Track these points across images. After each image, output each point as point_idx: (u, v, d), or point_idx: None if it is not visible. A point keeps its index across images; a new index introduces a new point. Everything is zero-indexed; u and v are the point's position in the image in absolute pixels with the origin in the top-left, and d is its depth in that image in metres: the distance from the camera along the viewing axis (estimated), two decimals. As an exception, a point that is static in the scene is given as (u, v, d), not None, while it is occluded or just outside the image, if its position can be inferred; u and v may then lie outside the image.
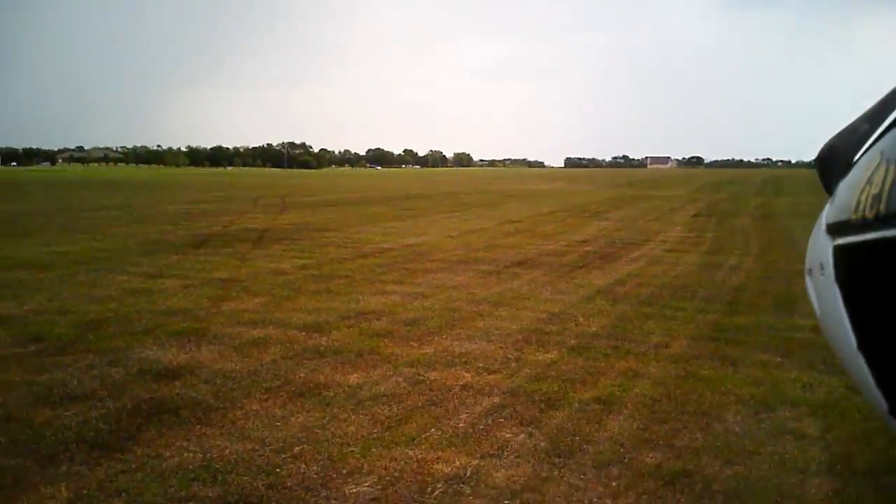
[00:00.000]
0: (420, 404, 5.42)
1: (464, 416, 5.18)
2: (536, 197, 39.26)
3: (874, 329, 0.72)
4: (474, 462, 4.37)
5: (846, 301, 0.77)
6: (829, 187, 0.95)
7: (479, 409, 5.33)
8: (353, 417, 5.11)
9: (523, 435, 4.83)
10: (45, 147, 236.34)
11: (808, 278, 0.94)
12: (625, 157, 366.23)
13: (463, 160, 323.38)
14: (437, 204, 32.10)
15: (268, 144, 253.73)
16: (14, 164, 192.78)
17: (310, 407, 5.31)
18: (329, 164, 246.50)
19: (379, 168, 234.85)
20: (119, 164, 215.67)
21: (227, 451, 4.48)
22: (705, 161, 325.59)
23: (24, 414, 5.11)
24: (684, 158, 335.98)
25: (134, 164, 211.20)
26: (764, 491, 4.08)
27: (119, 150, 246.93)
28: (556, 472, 4.26)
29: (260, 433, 4.79)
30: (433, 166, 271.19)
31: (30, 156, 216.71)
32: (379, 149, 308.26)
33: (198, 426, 4.91)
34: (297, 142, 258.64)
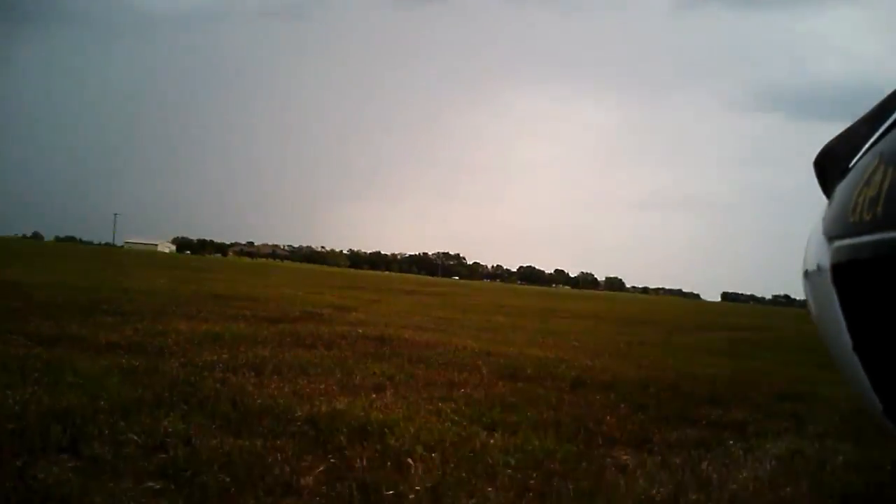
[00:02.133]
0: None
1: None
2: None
3: (870, 331, 0.78)
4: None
5: (842, 303, 0.84)
6: (827, 191, 1.05)
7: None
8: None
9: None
10: (217, 239, 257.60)
11: (804, 280, 1.05)
12: (786, 296, 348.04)
13: (614, 284, 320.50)
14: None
15: (423, 253, 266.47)
16: (188, 252, 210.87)
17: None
18: (481, 278, 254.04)
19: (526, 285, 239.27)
20: (285, 261, 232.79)
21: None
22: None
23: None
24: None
25: (298, 262, 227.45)
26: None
27: (286, 248, 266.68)
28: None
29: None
30: (583, 288, 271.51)
31: (203, 246, 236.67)
32: (530, 266, 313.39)
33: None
34: (452, 252, 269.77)
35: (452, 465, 4.14)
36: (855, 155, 0.95)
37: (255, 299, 17.00)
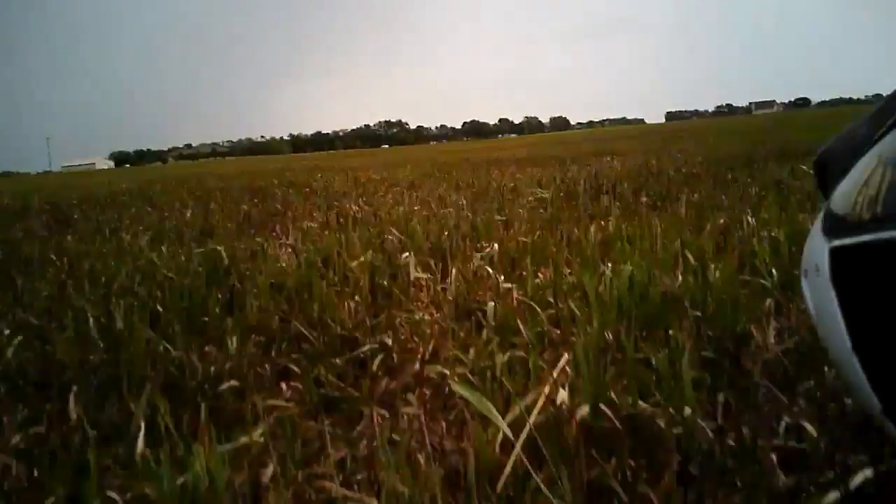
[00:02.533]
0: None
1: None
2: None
3: (869, 331, 0.76)
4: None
5: (841, 303, 0.81)
6: (826, 191, 1.02)
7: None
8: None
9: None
10: (154, 148, 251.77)
11: (803, 280, 1.00)
12: (728, 105, 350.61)
13: (560, 124, 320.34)
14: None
15: (365, 125, 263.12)
16: (127, 165, 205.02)
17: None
18: (427, 141, 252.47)
19: (469, 140, 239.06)
20: (227, 157, 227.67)
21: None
22: (813, 102, 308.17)
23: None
24: (790, 101, 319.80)
25: (241, 156, 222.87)
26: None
27: (225, 144, 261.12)
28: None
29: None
30: (530, 133, 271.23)
31: (141, 157, 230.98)
32: (474, 121, 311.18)
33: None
34: (394, 120, 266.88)
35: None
36: (855, 155, 0.95)
37: (200, 181, 17.46)
